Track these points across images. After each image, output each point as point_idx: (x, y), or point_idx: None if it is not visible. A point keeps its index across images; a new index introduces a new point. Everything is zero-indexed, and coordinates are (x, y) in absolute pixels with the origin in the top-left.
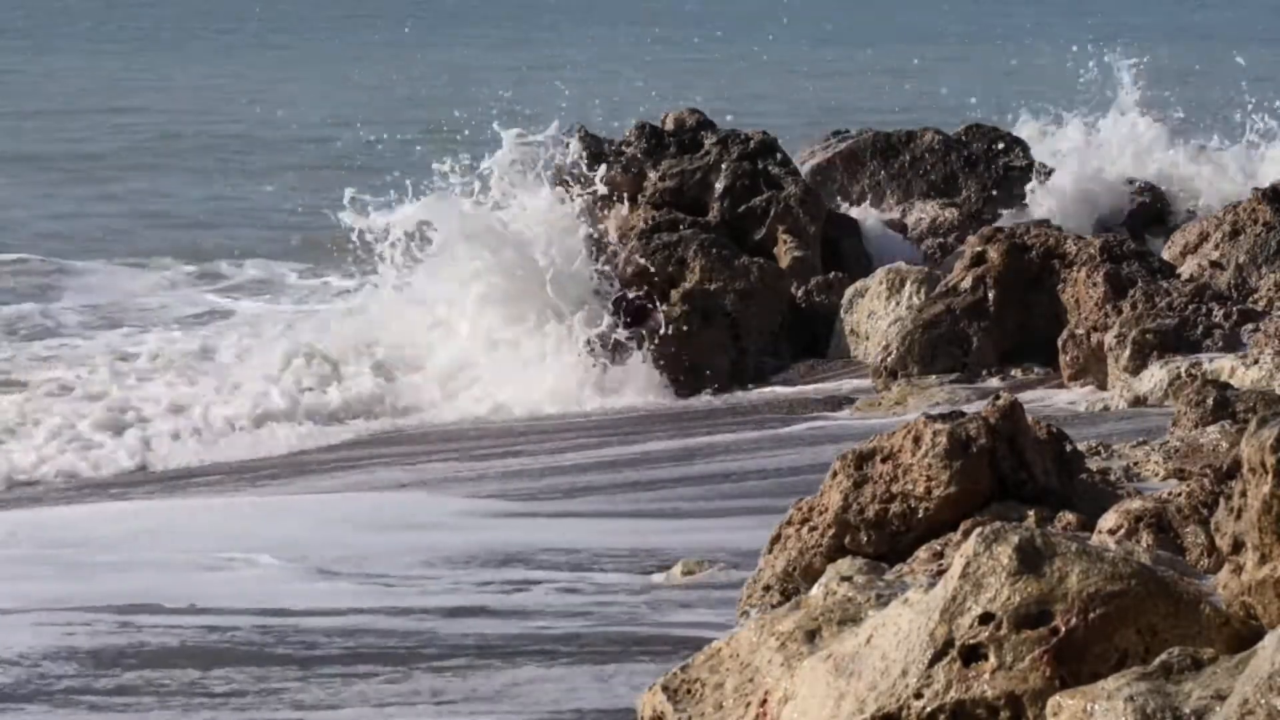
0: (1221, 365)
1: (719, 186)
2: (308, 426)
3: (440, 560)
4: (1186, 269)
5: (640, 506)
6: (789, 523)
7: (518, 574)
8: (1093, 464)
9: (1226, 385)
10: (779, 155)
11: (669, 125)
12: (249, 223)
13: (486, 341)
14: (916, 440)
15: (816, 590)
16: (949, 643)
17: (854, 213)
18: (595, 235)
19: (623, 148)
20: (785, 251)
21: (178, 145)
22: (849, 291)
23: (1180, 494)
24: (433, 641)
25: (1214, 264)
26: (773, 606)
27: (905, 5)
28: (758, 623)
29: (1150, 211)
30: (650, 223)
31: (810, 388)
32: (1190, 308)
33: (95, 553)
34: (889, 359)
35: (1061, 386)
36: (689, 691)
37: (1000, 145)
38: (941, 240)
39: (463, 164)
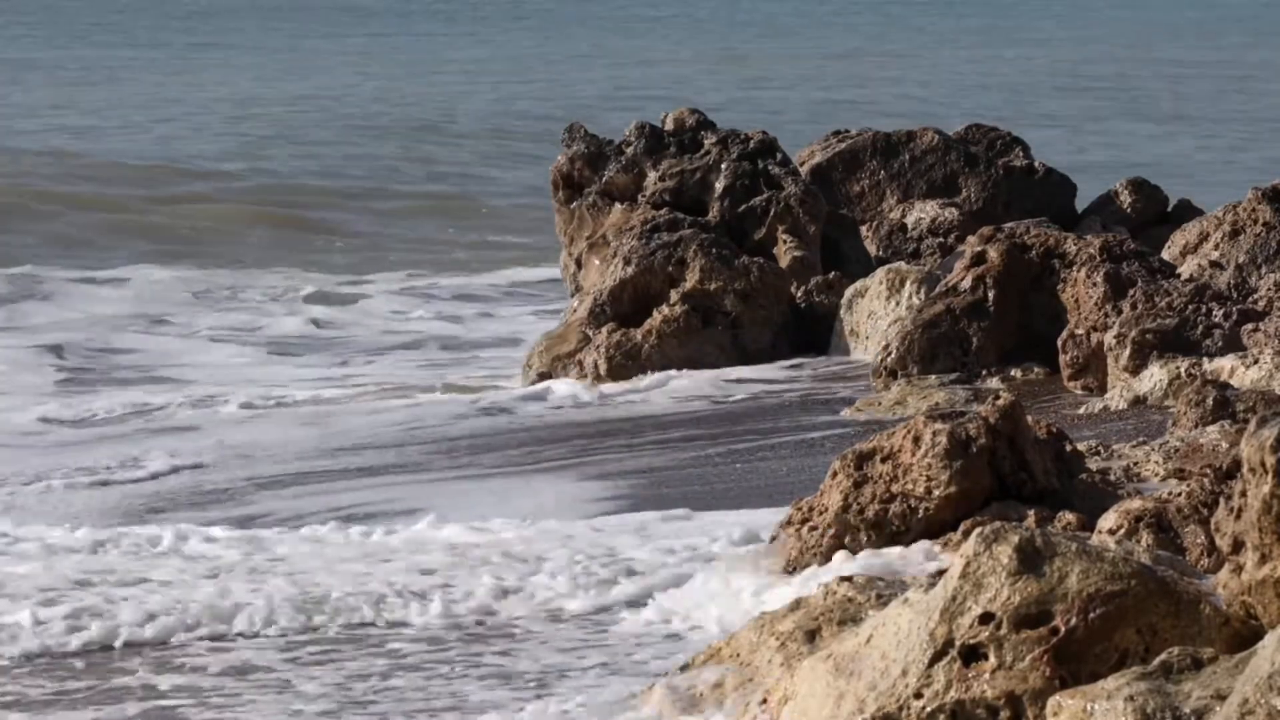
0: (1221, 365)
1: (719, 186)
2: None
3: None
4: (1186, 269)
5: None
6: (789, 523)
7: None
8: (1093, 464)
9: (1226, 385)
10: (779, 155)
11: (669, 125)
12: None
13: None
14: (916, 440)
15: (817, 590)
16: (949, 643)
17: None
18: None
19: (622, 147)
20: (785, 251)
21: None
22: (849, 291)
23: (1180, 494)
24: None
25: (1214, 264)
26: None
27: None
28: (757, 622)
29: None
30: (650, 223)
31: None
32: (1190, 308)
33: None
34: (889, 359)
35: (1061, 387)
36: (689, 691)
37: (1000, 145)
38: (941, 240)
39: None
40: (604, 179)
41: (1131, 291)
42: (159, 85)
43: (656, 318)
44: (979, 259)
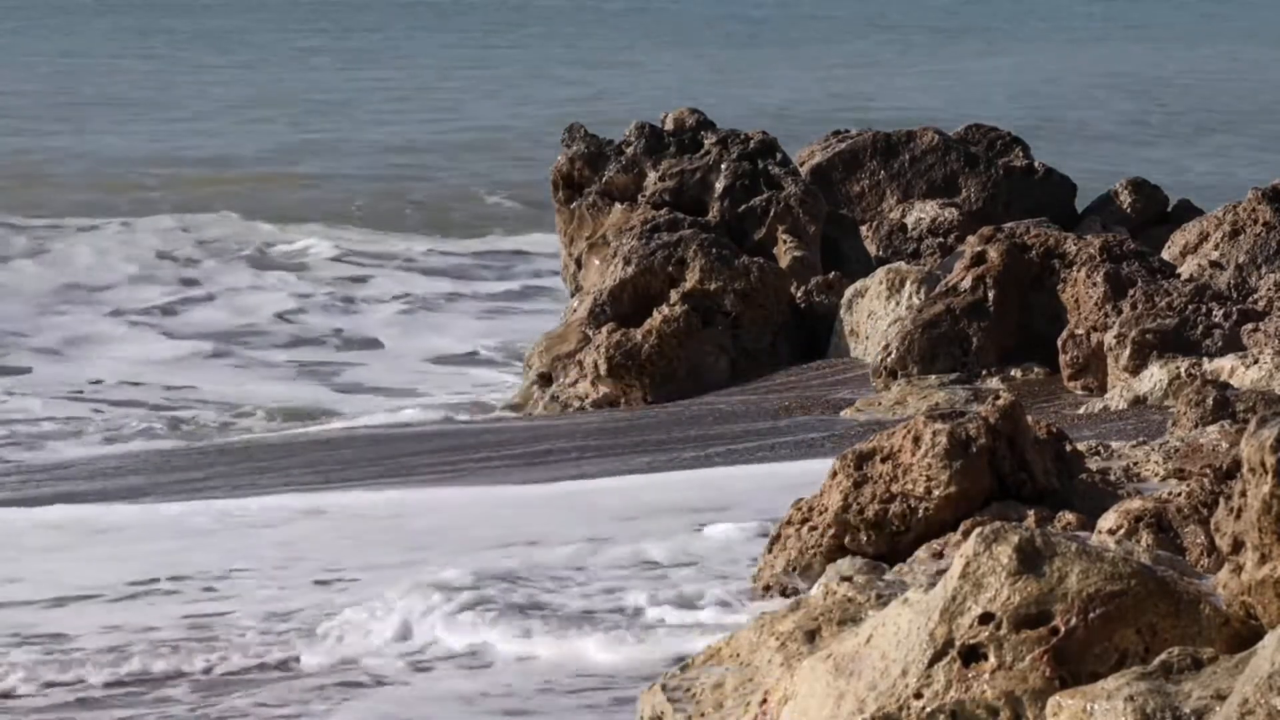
0: (1221, 365)
1: (719, 186)
2: None
3: None
4: (1186, 269)
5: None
6: (789, 523)
7: None
8: (1093, 464)
9: (1226, 385)
10: (779, 155)
11: (669, 125)
12: None
13: None
14: (916, 440)
15: (816, 590)
16: (949, 643)
17: None
18: None
19: (622, 147)
20: (785, 251)
21: None
22: (849, 291)
23: (1180, 494)
24: None
25: (1214, 264)
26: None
27: None
28: (758, 622)
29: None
30: (650, 223)
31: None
32: (1190, 308)
33: None
34: (889, 359)
35: (1061, 387)
36: (689, 691)
37: (1000, 145)
38: (941, 240)
39: None
40: (604, 179)
41: (1131, 291)
42: (161, 89)
43: (656, 318)
44: (979, 259)
